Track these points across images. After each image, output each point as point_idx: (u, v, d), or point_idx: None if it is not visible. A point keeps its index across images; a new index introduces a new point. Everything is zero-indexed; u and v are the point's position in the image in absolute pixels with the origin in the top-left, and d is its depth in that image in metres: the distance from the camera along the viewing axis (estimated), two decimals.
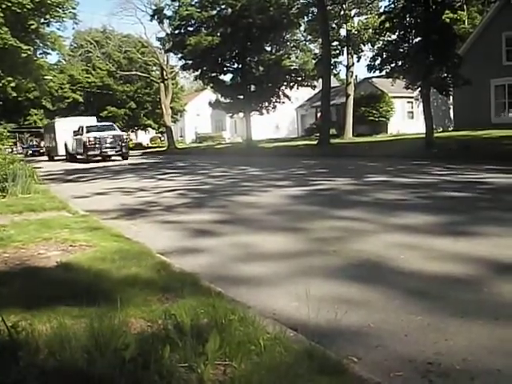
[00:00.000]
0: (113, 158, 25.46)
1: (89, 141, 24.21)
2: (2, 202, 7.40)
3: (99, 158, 24.84)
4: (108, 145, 24.53)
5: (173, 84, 48.07)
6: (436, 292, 2.94)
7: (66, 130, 29.50)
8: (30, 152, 55.00)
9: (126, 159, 24.92)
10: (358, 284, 3.16)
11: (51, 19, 25.17)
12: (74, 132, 26.73)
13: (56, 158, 32.35)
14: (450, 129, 31.17)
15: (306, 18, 32.85)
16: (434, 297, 2.87)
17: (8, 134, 13.27)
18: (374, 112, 33.97)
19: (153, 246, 4.27)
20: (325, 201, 6.96)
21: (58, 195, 8.43)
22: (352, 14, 34.66)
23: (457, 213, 5.46)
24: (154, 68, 51.63)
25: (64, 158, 30.00)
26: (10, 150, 27.29)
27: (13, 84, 25.08)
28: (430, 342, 2.28)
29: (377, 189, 7.81)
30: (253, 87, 32.04)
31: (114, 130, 26.73)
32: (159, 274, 3.25)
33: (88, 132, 25.09)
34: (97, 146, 24.21)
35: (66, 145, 29.01)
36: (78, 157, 26.57)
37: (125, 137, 26.44)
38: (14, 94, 28.60)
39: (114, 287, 2.93)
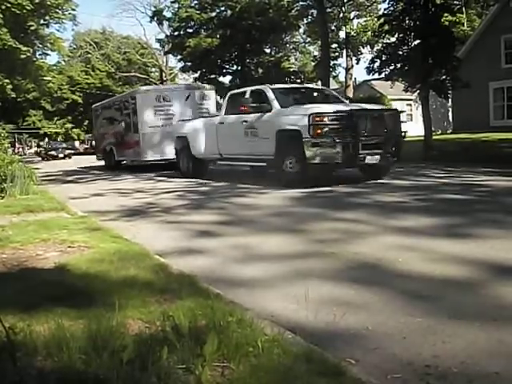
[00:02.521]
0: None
1: (316, 123, 8.34)
2: (1, 203, 7.39)
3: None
4: (375, 138, 8.70)
5: None
6: (434, 294, 2.94)
7: (170, 108, 15.45)
8: (54, 153, 39.52)
9: (388, 173, 9.71)
10: (357, 286, 3.16)
11: (51, 20, 25.31)
12: (228, 107, 11.02)
13: (129, 163, 17.96)
14: (448, 131, 31.22)
15: (305, 20, 33.06)
16: (432, 299, 2.87)
17: (7, 134, 13.27)
18: None
19: (151, 247, 4.27)
20: (324, 203, 6.96)
21: (56, 196, 8.43)
22: (351, 17, 34.75)
23: (455, 215, 5.47)
24: (153, 69, 51.84)
25: (157, 162, 15.38)
26: (12, 151, 25.07)
27: (10, 86, 25.10)
28: (428, 345, 2.28)
29: (376, 191, 7.81)
30: None
31: (341, 101, 10.81)
32: (157, 275, 3.24)
33: (287, 104, 9.45)
34: (337, 140, 8.30)
35: (186, 140, 12.18)
36: (234, 165, 11.21)
37: (399, 116, 9.64)
38: (13, 95, 28.59)
39: (112, 288, 2.93)
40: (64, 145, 46.02)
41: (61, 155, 39.20)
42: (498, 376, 1.99)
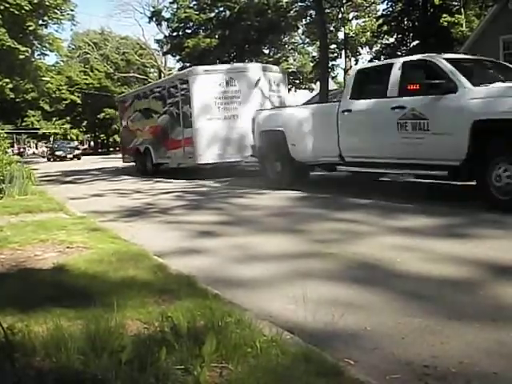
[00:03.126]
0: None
1: None
2: None
3: None
4: None
5: None
6: (433, 294, 2.94)
7: (235, 95, 12.08)
8: (61, 154, 36.86)
9: None
10: (356, 286, 3.15)
11: (49, 21, 25.28)
12: (356, 89, 7.57)
13: (173, 166, 14.26)
14: None
15: (304, 20, 33.05)
16: (431, 299, 2.87)
17: (6, 135, 13.27)
18: None
19: (150, 247, 4.27)
20: (323, 203, 6.95)
21: (55, 196, 8.43)
22: (350, 17, 34.78)
23: (454, 215, 5.46)
24: (152, 70, 51.85)
25: (215, 165, 12.23)
26: (11, 152, 24.52)
27: (10, 86, 25.08)
28: (426, 345, 2.28)
29: (376, 191, 7.79)
30: None
31: None
32: (156, 275, 3.24)
33: (479, 82, 6.01)
34: None
35: (281, 137, 8.69)
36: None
37: None
38: (12, 95, 28.58)
39: (111, 289, 2.92)
40: (72, 144, 43.51)
41: (69, 156, 36.66)
42: (496, 376, 1.98)
